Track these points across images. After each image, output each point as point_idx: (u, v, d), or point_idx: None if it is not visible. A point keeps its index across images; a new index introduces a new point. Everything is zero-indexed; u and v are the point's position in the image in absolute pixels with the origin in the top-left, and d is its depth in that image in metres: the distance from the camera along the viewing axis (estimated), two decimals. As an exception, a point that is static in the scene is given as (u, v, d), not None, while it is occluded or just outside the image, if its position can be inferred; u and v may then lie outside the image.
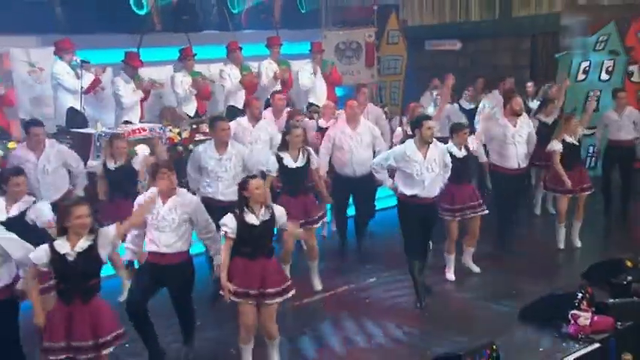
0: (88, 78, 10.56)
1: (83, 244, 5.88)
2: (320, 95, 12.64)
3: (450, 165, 8.84)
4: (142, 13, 13.69)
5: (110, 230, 6.13)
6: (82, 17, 12.47)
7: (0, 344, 6.28)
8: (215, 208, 7.86)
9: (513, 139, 9.93)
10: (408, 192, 8.62)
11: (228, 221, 6.88)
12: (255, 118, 9.95)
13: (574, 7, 14.17)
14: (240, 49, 12.54)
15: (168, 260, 7.01)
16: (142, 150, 9.61)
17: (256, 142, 9.80)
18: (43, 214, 7.13)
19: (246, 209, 6.94)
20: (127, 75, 11.08)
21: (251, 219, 6.90)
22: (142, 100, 11.37)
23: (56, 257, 5.84)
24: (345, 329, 8.62)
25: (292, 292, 7.47)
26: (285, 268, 8.71)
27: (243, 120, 9.99)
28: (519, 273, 9.76)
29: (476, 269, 9.66)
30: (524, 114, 10.84)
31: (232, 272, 6.98)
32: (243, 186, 7.06)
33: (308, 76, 12.78)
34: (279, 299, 7.16)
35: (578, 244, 10.39)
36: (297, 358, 7.90)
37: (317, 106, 12.16)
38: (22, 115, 10.95)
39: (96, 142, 9.69)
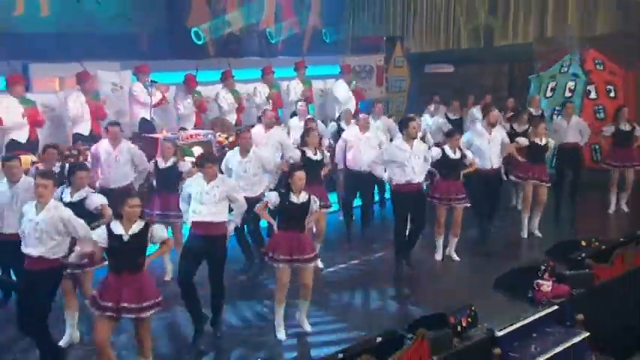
0: (156, 95, 10.68)
1: (135, 228, 5.97)
2: (352, 106, 12.44)
3: (430, 160, 8.84)
4: (199, 43, 13.84)
5: (159, 231, 6.21)
6: (155, 47, 12.78)
7: (41, 301, 6.21)
8: None
9: (489, 145, 9.84)
10: (402, 179, 8.59)
11: (273, 196, 7.14)
12: (267, 126, 9.78)
13: (543, 39, 14.43)
14: (273, 72, 12.46)
15: (210, 230, 7.00)
16: (197, 150, 9.62)
17: (266, 145, 9.59)
18: (95, 202, 7.06)
19: (291, 192, 7.10)
20: (185, 92, 11.22)
21: (293, 198, 7.06)
22: (199, 112, 11.41)
23: (113, 236, 5.93)
24: (348, 296, 8.60)
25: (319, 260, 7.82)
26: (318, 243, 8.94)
27: (259, 127, 9.89)
28: (494, 254, 9.69)
29: (456, 258, 9.49)
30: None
31: (275, 243, 7.12)
32: (289, 174, 7.23)
33: (346, 91, 12.78)
34: (313, 263, 7.28)
35: (539, 234, 10.32)
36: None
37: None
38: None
39: (161, 145, 9.49)
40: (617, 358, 7.69)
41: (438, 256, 9.41)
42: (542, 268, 8.11)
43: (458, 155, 9.29)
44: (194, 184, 7.14)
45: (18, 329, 6.42)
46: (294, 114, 12.06)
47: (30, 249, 6.06)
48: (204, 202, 6.97)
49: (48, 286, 6.16)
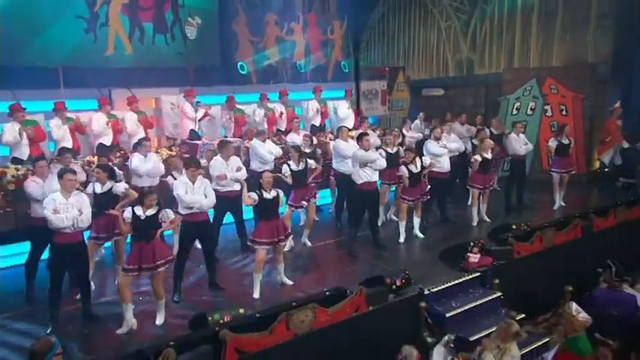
0: (201, 112, 10.74)
1: (150, 212, 6.31)
2: (350, 122, 12.18)
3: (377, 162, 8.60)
4: (243, 73, 14.16)
5: (168, 213, 6.42)
6: (206, 76, 12.83)
7: (82, 268, 6.46)
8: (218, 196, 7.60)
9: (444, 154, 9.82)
10: (365, 179, 8.51)
11: (252, 194, 7.15)
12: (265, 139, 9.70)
13: (511, 69, 14.31)
14: (287, 94, 12.18)
15: (199, 218, 7.05)
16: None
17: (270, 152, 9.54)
18: (120, 188, 7.07)
19: (263, 190, 7.20)
20: (227, 110, 11.24)
21: (267, 195, 7.20)
22: (238, 125, 11.26)
23: (135, 216, 6.28)
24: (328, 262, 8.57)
25: (290, 238, 7.94)
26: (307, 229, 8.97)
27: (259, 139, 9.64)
28: (449, 234, 9.60)
29: (421, 235, 9.42)
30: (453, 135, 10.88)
31: (260, 231, 7.16)
32: (260, 177, 7.42)
33: (346, 110, 12.58)
34: (286, 242, 7.57)
35: (487, 219, 10.21)
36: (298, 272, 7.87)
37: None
38: (167, 134, 11.09)
39: (200, 149, 9.95)
40: (523, 312, 7.65)
41: (401, 239, 9.21)
42: (472, 244, 8.19)
43: (419, 168, 9.15)
44: (181, 184, 7.04)
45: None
46: (312, 127, 12.05)
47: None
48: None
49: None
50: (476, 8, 14.85)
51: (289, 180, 8.24)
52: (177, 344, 5.27)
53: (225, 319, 5.79)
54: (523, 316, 7.55)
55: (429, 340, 6.57)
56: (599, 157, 12.88)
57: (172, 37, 13.31)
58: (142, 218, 6.29)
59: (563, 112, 13.28)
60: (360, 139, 8.83)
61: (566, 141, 11.00)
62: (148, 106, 11.23)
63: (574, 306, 5.72)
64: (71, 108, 9.88)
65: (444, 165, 9.90)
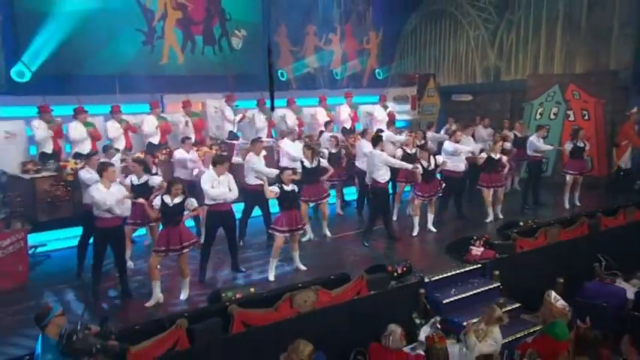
0: (239, 115, 11.10)
1: (177, 200, 6.61)
2: (384, 124, 11.76)
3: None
4: (283, 80, 14.48)
5: (192, 202, 6.68)
6: (249, 82, 13.09)
7: (120, 249, 6.85)
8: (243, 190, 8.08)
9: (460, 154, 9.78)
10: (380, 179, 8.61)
11: (274, 187, 7.46)
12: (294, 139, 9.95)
13: (535, 75, 14.08)
14: (326, 99, 12.47)
15: (223, 207, 7.36)
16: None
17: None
18: (156, 181, 7.51)
19: (283, 184, 7.53)
20: (261, 112, 11.37)
21: (287, 188, 7.52)
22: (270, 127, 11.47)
23: (164, 203, 6.59)
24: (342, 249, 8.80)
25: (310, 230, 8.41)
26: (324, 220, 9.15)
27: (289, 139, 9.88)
28: (461, 229, 9.54)
29: (433, 229, 9.48)
30: (471, 138, 10.69)
31: (280, 220, 7.48)
32: (280, 172, 7.83)
33: (382, 113, 12.60)
34: (301, 231, 7.89)
35: (501, 216, 10.13)
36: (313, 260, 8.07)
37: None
38: (210, 134, 11.38)
39: (237, 148, 10.22)
40: (520, 302, 7.68)
41: (415, 232, 9.34)
42: (475, 238, 8.23)
43: (432, 166, 9.23)
44: (208, 179, 7.31)
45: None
46: (343, 129, 12.07)
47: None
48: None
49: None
50: (503, 18, 14.69)
51: (297, 177, 8.09)
52: (191, 315, 5.68)
53: (237, 296, 6.16)
54: (519, 305, 7.58)
55: (417, 321, 6.72)
56: (617, 161, 12.52)
57: (220, 47, 13.79)
58: (170, 205, 6.63)
59: (585, 117, 13.02)
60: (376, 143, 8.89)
61: (581, 144, 10.83)
62: (195, 109, 11.52)
63: (553, 294, 5.82)
64: (126, 111, 10.40)
65: (459, 165, 9.90)
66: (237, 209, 8.29)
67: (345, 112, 12.60)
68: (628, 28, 12.51)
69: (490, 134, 12.12)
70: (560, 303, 5.71)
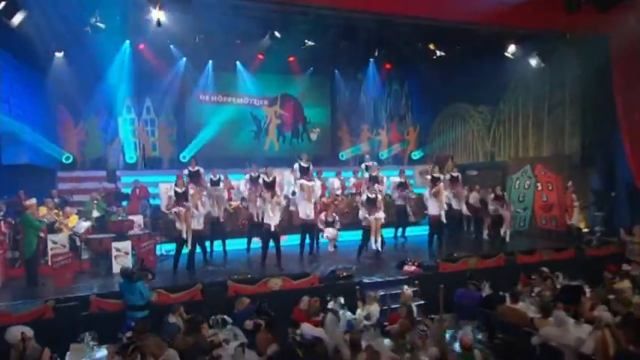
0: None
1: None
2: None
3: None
4: (343, 159, 15.80)
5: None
6: (320, 161, 13.69)
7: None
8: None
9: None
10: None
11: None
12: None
13: (515, 157, 14.39)
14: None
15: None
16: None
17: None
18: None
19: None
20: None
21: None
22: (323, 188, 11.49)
23: None
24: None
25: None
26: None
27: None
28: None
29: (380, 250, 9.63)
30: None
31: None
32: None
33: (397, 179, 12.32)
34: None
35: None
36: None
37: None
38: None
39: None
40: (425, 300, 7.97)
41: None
42: (410, 260, 8.87)
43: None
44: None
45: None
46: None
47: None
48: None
49: None
50: (494, 118, 15.35)
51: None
52: (204, 286, 7.56)
53: (237, 277, 8.25)
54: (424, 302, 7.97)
55: (328, 298, 7.44)
56: (569, 220, 12.84)
57: (301, 139, 16.29)
58: None
59: (550, 188, 13.25)
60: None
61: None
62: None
63: (405, 287, 7.29)
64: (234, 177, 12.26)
65: (434, 210, 10.50)
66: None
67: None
68: (576, 125, 13.01)
69: (473, 197, 12.67)
70: (409, 292, 7.28)
